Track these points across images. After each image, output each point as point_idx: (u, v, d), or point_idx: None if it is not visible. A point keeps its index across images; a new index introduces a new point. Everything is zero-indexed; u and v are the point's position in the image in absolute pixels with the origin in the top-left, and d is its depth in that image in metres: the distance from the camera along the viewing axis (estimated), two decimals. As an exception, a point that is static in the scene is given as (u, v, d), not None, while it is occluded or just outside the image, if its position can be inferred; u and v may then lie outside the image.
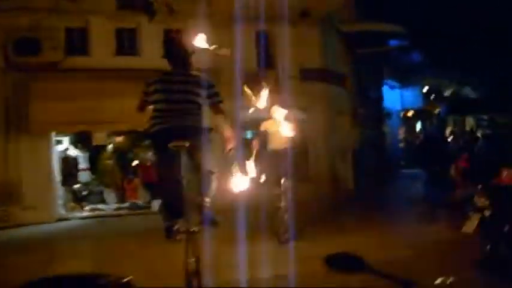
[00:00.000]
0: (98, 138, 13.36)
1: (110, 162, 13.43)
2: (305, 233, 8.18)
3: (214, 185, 4.54)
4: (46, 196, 11.65)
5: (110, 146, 13.67)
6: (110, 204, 13.19)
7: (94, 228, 11.09)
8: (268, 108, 8.25)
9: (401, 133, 24.10)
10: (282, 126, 7.86)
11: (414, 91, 22.98)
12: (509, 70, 19.14)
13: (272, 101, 8.22)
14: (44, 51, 10.93)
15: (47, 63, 11.17)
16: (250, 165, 5.92)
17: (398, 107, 22.78)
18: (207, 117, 4.55)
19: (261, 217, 8.96)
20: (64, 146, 13.12)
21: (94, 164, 13.70)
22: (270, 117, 8.37)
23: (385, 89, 20.15)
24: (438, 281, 1.46)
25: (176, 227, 4.29)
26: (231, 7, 11.44)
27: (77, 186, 13.25)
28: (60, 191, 12.48)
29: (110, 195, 13.40)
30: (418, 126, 27.58)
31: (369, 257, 5.00)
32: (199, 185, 4.43)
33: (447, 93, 25.89)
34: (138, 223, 11.33)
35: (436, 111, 26.15)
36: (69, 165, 12.84)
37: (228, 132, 4.53)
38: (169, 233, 4.38)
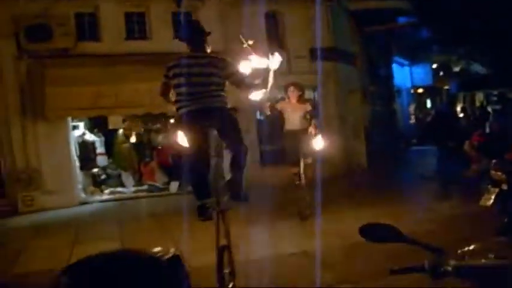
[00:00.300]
0: (114, 122, 13.45)
1: (126, 145, 13.52)
2: (325, 210, 8.25)
3: (245, 160, 4.64)
4: (66, 181, 11.77)
5: (121, 131, 13.82)
6: (129, 187, 13.29)
7: (115, 211, 11.21)
8: (285, 88, 8.42)
9: (411, 110, 24.00)
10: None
11: (423, 68, 22.82)
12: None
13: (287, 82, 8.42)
14: (55, 37, 10.94)
15: (59, 50, 11.20)
16: None
17: (408, 84, 22.68)
18: (228, 97, 4.65)
19: (282, 195, 9.20)
20: (81, 131, 13.21)
21: (110, 148, 13.80)
22: (285, 98, 8.52)
23: (395, 67, 20.07)
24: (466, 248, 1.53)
25: (209, 205, 4.40)
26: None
27: (95, 170, 13.36)
28: (79, 175, 12.61)
29: (128, 179, 13.47)
30: (428, 103, 27.46)
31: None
32: (232, 163, 4.55)
33: (456, 69, 25.70)
34: (158, 204, 11.54)
35: (446, 87, 26.00)
36: (87, 149, 12.90)
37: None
38: (202, 212, 4.49)
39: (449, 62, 24.80)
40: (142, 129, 14.37)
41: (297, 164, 8.21)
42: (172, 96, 4.69)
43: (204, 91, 4.53)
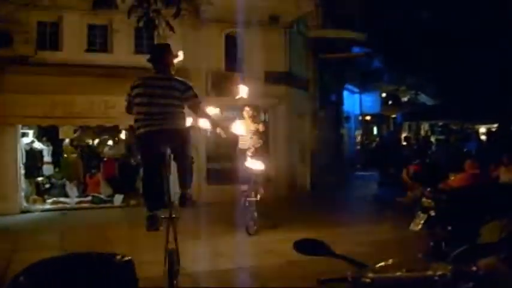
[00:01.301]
0: (64, 132, 13.85)
1: (74, 156, 13.95)
2: (268, 229, 9.20)
3: (191, 176, 5.24)
4: (9, 188, 12.06)
5: (67, 141, 14.20)
6: (72, 198, 13.64)
7: (57, 220, 11.52)
8: (240, 108, 9.23)
9: (358, 136, 25.30)
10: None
11: (373, 96, 24.20)
12: (463, 79, 20.57)
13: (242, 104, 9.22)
14: (15, 44, 11.35)
15: (18, 57, 11.57)
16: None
17: (357, 111, 23.95)
18: (186, 118, 5.14)
19: (229, 212, 9.94)
20: (29, 138, 13.53)
21: (57, 158, 14.15)
22: (240, 118, 9.32)
23: (346, 94, 21.30)
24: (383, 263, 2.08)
25: (158, 216, 4.91)
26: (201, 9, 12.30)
27: (40, 179, 13.67)
28: (23, 183, 12.86)
29: (72, 189, 13.85)
30: (375, 130, 28.98)
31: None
32: (181, 181, 5.13)
33: (404, 99, 27.37)
34: (101, 216, 11.99)
35: (393, 116, 27.58)
36: (34, 157, 13.21)
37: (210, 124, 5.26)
38: (152, 222, 4.92)
39: (397, 92, 26.40)
40: (91, 141, 14.81)
41: (247, 182, 8.96)
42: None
43: (163, 112, 4.94)
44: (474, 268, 1.88)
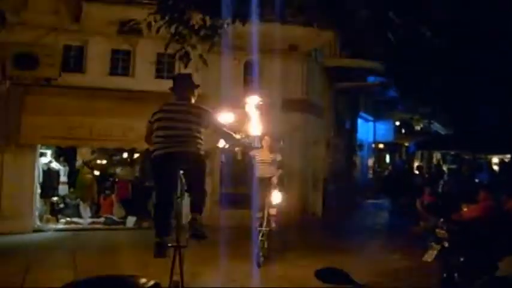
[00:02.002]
0: (83, 153, 14.29)
1: (89, 176, 14.35)
2: (279, 256, 9.48)
3: (204, 202, 5.33)
4: (24, 207, 12.39)
5: (82, 162, 14.61)
6: (85, 218, 13.98)
7: (70, 240, 11.82)
8: (260, 138, 9.56)
9: (370, 164, 25.65)
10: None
11: (386, 125, 24.60)
12: (476, 108, 20.91)
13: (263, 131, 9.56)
14: (41, 66, 11.80)
15: (43, 79, 12.07)
16: None
17: (370, 139, 24.37)
18: (204, 144, 5.31)
19: (240, 239, 10.23)
20: (47, 158, 13.92)
21: (72, 178, 14.56)
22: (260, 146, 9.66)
23: (360, 122, 21.80)
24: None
25: (167, 242, 5.07)
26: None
27: (55, 198, 14.02)
28: (38, 202, 13.20)
29: (86, 210, 14.22)
30: (387, 158, 29.27)
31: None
32: (193, 204, 5.29)
33: (417, 127, 27.73)
34: (114, 237, 12.27)
35: (406, 144, 27.88)
36: (50, 177, 13.59)
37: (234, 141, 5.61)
38: (160, 249, 5.06)
39: (411, 121, 26.77)
40: (106, 162, 15.22)
41: (262, 210, 9.17)
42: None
43: (181, 135, 5.20)
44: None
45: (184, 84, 5.53)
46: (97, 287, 2.37)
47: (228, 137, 5.59)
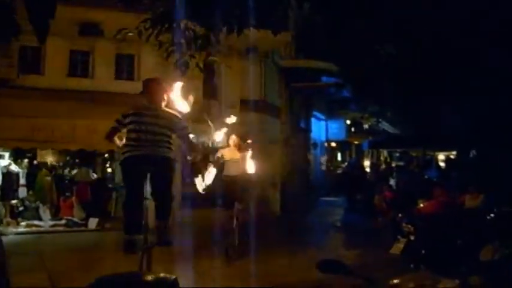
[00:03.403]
0: (42, 155, 14.07)
1: (48, 179, 14.15)
2: (246, 254, 9.51)
3: (170, 208, 5.50)
4: (-17, 211, 12.10)
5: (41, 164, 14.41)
6: (46, 221, 13.74)
7: (33, 243, 11.62)
8: (226, 137, 9.67)
9: (323, 162, 26.14)
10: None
11: (338, 123, 25.13)
12: (421, 107, 21.62)
13: (229, 131, 9.68)
14: (-2, 68, 11.60)
15: (0, 80, 11.88)
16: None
17: (323, 137, 24.79)
18: (174, 149, 5.44)
19: (209, 236, 10.36)
20: (6, 161, 13.66)
21: (31, 180, 14.32)
22: (226, 146, 9.67)
23: (313, 121, 22.18)
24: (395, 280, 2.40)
25: (137, 241, 5.16)
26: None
27: (14, 201, 13.73)
28: (-3, 206, 12.91)
29: (46, 212, 13.97)
30: (339, 156, 29.93)
31: (300, 276, 6.32)
32: (160, 209, 5.41)
33: (366, 126, 28.49)
34: (77, 239, 12.17)
35: (356, 142, 28.61)
36: (10, 180, 13.30)
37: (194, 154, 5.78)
38: (129, 246, 5.17)
39: (361, 119, 27.48)
40: (65, 164, 15.05)
41: (231, 208, 9.31)
42: (118, 140, 5.48)
43: (153, 139, 5.29)
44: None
45: (155, 89, 5.56)
46: (122, 284, 2.45)
47: (193, 147, 5.76)
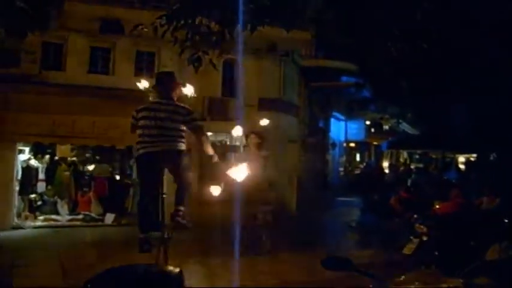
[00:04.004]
0: (62, 150, 14.34)
1: (67, 174, 14.41)
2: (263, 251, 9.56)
3: (187, 192, 5.52)
4: (3, 204, 12.39)
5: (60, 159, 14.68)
6: (63, 215, 14.02)
7: (50, 237, 11.87)
8: (246, 136, 9.72)
9: (342, 162, 26.13)
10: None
11: (358, 124, 25.13)
12: (442, 109, 21.49)
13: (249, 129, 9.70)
14: (22, 63, 11.91)
15: (24, 76, 12.10)
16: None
17: (342, 138, 24.81)
18: (186, 141, 5.48)
19: (227, 234, 10.49)
20: (26, 155, 13.94)
21: (50, 175, 14.59)
22: (245, 145, 9.81)
23: (332, 121, 22.27)
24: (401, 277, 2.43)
25: (151, 238, 5.22)
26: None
27: (33, 196, 14.00)
28: (16, 200, 13.19)
29: (63, 207, 14.26)
30: (358, 157, 29.90)
31: (315, 275, 6.41)
32: (177, 198, 5.49)
33: (386, 127, 28.40)
34: (93, 234, 12.32)
35: (375, 143, 28.53)
36: (29, 175, 13.58)
37: (209, 149, 5.62)
38: (144, 244, 5.22)
39: (381, 120, 27.41)
40: (84, 159, 15.31)
41: (251, 208, 9.10)
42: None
43: (165, 134, 5.36)
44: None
45: (168, 83, 5.63)
46: (127, 274, 2.50)
47: (205, 140, 5.69)
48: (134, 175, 14.15)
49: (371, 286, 2.34)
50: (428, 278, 2.40)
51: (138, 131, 5.47)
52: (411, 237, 8.09)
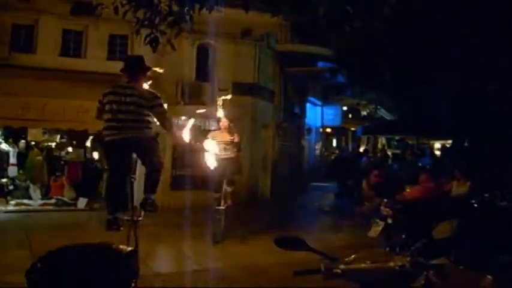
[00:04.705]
0: (33, 134, 14.27)
1: (40, 158, 14.37)
2: (233, 234, 9.86)
3: (158, 183, 5.60)
4: (-27, 188, 12.29)
5: (32, 143, 14.65)
6: (35, 200, 13.97)
7: (21, 222, 11.84)
8: (217, 119, 9.88)
9: (318, 148, 26.32)
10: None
11: (334, 109, 25.25)
12: (419, 95, 21.71)
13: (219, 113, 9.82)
14: (-11, 46, 11.73)
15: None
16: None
17: (318, 123, 24.90)
18: (153, 126, 5.48)
19: (194, 218, 10.61)
20: (-4, 139, 13.88)
21: (22, 160, 14.55)
22: (217, 128, 9.94)
23: (308, 106, 22.37)
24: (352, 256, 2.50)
25: (119, 218, 5.26)
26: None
27: (4, 180, 13.96)
28: (-14, 184, 13.11)
29: (36, 191, 14.19)
30: (334, 142, 30.12)
31: (282, 259, 6.62)
32: (146, 185, 5.51)
33: (364, 113, 28.62)
34: (65, 218, 12.36)
35: (352, 129, 28.75)
36: (0, 159, 13.59)
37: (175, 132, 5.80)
38: (111, 223, 5.27)
39: (358, 106, 27.59)
40: (56, 144, 15.27)
41: (220, 190, 9.44)
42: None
43: (130, 120, 5.33)
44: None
45: (135, 67, 5.59)
46: (80, 253, 2.53)
47: (168, 125, 5.73)
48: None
49: (322, 264, 2.40)
50: (378, 257, 2.46)
51: (105, 116, 5.43)
52: (377, 220, 8.28)
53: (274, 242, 2.59)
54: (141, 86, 5.52)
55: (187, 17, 7.24)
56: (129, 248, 2.65)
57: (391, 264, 2.34)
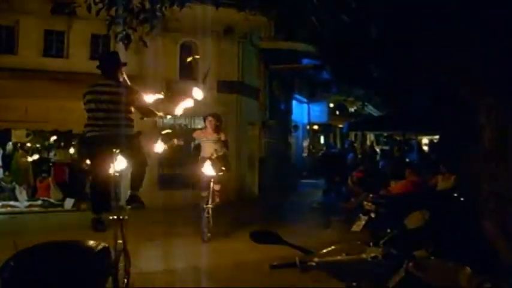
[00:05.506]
0: (17, 135, 14.24)
1: (25, 159, 14.35)
2: (221, 232, 9.87)
3: (143, 180, 5.64)
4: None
5: (18, 145, 14.58)
6: (22, 202, 13.97)
7: (7, 224, 11.88)
8: (203, 118, 9.89)
9: (305, 145, 26.40)
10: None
11: (321, 106, 25.34)
12: (406, 91, 21.81)
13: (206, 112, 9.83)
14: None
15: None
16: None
17: (305, 120, 25.04)
18: (134, 123, 5.53)
19: (182, 217, 10.66)
20: (-20, 142, 13.84)
21: (7, 161, 14.50)
22: (203, 127, 9.97)
23: (294, 103, 22.43)
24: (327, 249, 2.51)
25: (104, 218, 5.30)
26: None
27: (-12, 182, 13.95)
28: (-28, 186, 13.10)
29: (22, 193, 14.22)
30: (322, 139, 30.18)
31: (269, 254, 6.68)
32: (131, 182, 5.58)
33: (351, 109, 28.70)
34: (52, 219, 12.33)
35: (340, 126, 28.82)
36: (-16, 161, 13.56)
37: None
38: (97, 224, 5.34)
39: (345, 102, 27.67)
40: (42, 145, 15.23)
41: (208, 189, 9.37)
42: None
43: (112, 117, 5.32)
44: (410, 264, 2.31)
45: (110, 63, 5.62)
46: (52, 249, 2.59)
47: (150, 115, 5.68)
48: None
49: (296, 258, 2.42)
50: (353, 249, 2.47)
51: (87, 114, 5.46)
52: (360, 215, 8.37)
53: (249, 237, 2.63)
54: (118, 81, 5.52)
55: (159, 14, 7.25)
56: (101, 245, 2.71)
57: (364, 255, 2.40)
